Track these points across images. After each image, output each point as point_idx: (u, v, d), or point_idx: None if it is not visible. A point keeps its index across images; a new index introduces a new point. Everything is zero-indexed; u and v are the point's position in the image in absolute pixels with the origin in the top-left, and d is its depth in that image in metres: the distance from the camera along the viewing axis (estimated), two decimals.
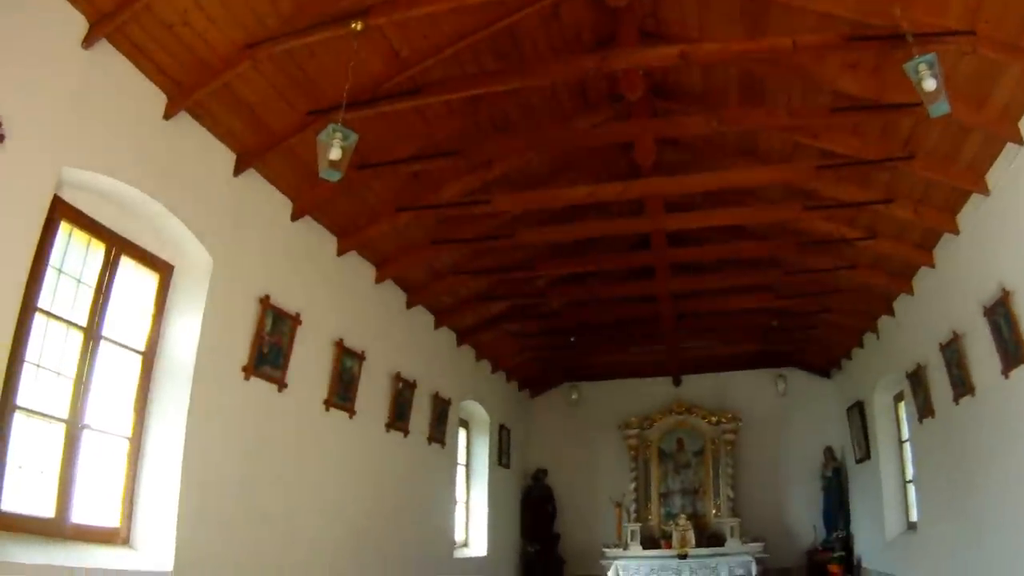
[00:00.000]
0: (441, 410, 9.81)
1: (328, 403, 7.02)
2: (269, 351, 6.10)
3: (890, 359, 10.68)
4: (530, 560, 13.56)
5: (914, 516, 10.72)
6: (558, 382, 15.04)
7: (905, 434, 11.03)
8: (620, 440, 14.37)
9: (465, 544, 11.59)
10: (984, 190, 6.92)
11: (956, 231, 7.68)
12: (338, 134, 4.56)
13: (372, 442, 7.95)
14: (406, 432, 8.68)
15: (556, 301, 10.76)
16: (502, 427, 12.95)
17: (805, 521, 13.84)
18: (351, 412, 7.42)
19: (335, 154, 4.55)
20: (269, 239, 6.43)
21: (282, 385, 6.30)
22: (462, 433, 11.83)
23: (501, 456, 12.81)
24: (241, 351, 5.91)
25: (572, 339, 11.88)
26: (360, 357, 7.62)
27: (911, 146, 7.06)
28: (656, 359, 14.34)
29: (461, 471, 11.65)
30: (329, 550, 6.85)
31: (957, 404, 8.03)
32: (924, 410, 9.19)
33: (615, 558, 12.82)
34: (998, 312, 6.86)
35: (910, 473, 10.86)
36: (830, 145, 7.37)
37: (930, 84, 4.42)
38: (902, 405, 11.16)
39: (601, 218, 9.21)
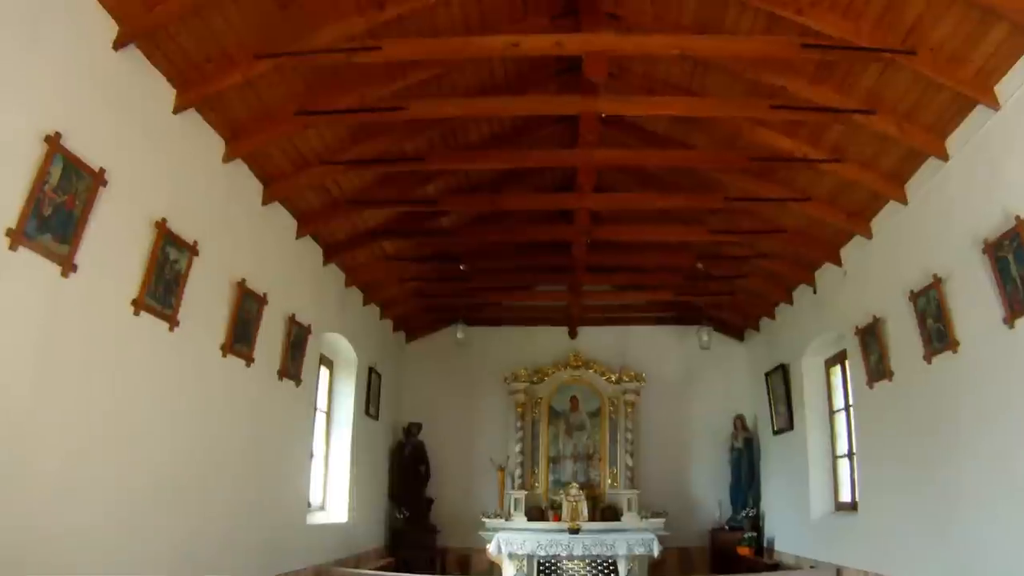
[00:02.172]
0: (297, 338, 8.12)
1: (138, 305, 5.29)
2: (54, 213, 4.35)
3: (828, 316, 9.81)
4: (398, 529, 12.17)
5: (844, 495, 9.89)
6: (439, 326, 13.59)
7: (840, 402, 10.14)
8: (506, 395, 13.18)
9: (321, 507, 10.01)
10: (993, 102, 5.88)
11: (944, 156, 6.66)
12: None
13: (202, 365, 6.20)
14: (249, 360, 6.97)
15: (450, 209, 9.29)
16: (372, 371, 11.38)
17: (709, 496, 13.07)
18: (172, 321, 5.70)
19: None
20: None
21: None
22: (324, 373, 10.21)
23: (369, 405, 11.24)
24: None
25: (462, 266, 10.40)
26: (191, 250, 5.90)
27: (914, 39, 5.89)
28: (554, 305, 13.26)
29: (321, 419, 10.05)
30: (124, 509, 5.16)
31: (930, 363, 7.02)
32: (876, 372, 8.24)
33: (496, 529, 11.66)
34: (1005, 247, 5.83)
35: (842, 447, 10.01)
36: (817, 23, 6.10)
37: None
38: (836, 370, 10.31)
39: (522, 92, 7.82)
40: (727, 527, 12.53)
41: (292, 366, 8.04)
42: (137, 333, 5.32)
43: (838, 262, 9.24)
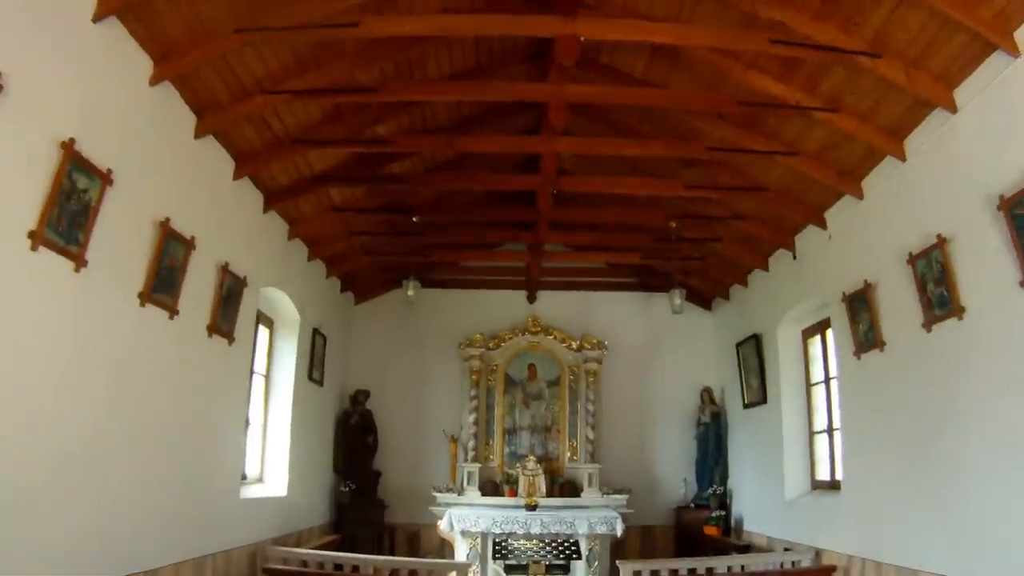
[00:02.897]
0: (231, 291, 7.32)
1: (36, 238, 4.48)
2: None
3: (809, 283, 9.35)
4: (343, 504, 11.50)
5: (822, 473, 9.44)
6: (390, 287, 12.87)
7: (818, 375, 9.67)
8: (460, 362, 12.59)
9: (259, 479, 9.28)
10: (1012, 47, 5.39)
11: (953, 107, 6.16)
12: None
13: (115, 314, 5.40)
14: (173, 311, 6.18)
15: (404, 150, 8.57)
16: (316, 333, 10.61)
17: (674, 473, 12.63)
18: (78, 261, 4.90)
19: None
20: None
21: None
22: (263, 333, 9.45)
23: (313, 369, 10.49)
24: None
25: (416, 219, 9.67)
26: (103, 178, 5.11)
27: None
28: (513, 266, 12.69)
29: (258, 383, 9.30)
30: (12, 486, 4.39)
31: (929, 331, 6.53)
32: (865, 342, 7.76)
33: (448, 505, 11.09)
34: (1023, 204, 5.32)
35: (821, 422, 9.56)
36: None
37: None
38: (815, 340, 9.84)
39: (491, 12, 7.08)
40: (693, 505, 12.10)
41: (224, 322, 7.26)
42: (34, 272, 4.52)
43: (822, 225, 8.75)
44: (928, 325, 6.54)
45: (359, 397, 12.19)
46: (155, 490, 6.08)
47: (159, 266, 5.93)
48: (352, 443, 11.88)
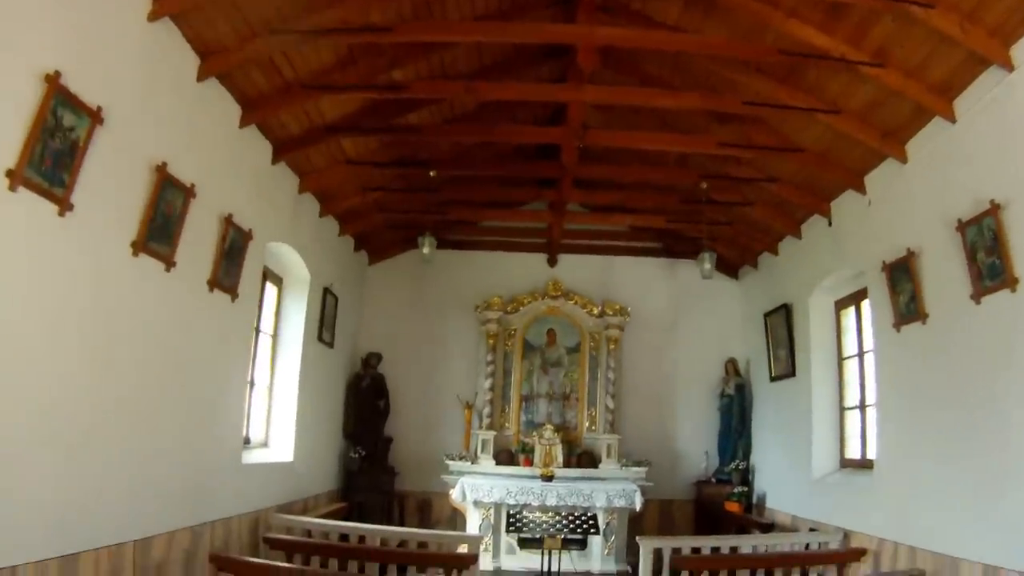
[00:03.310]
0: (235, 244, 6.96)
1: (15, 177, 4.12)
2: None
3: (845, 251, 8.94)
4: (352, 470, 11.23)
5: (852, 451, 9.08)
6: (405, 247, 12.51)
7: (851, 348, 9.26)
8: (476, 325, 12.25)
9: (264, 444, 9.00)
10: None
11: (1009, 65, 5.76)
12: None
13: (105, 263, 5.04)
14: (169, 263, 5.84)
15: (421, 95, 8.16)
16: (327, 292, 10.28)
17: (696, 446, 12.31)
18: (63, 204, 4.53)
19: None
20: None
21: None
22: (271, 291, 9.12)
23: (323, 330, 10.16)
24: None
25: (433, 173, 9.27)
26: (93, 116, 4.75)
27: None
28: (534, 227, 12.39)
29: (264, 343, 8.99)
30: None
31: (978, 302, 6.12)
32: (906, 313, 7.33)
33: (461, 473, 10.81)
34: None
35: (852, 398, 9.17)
36: None
37: None
38: (848, 312, 9.43)
39: None
40: (714, 480, 11.79)
41: (227, 277, 6.92)
42: (13, 214, 4.18)
43: (862, 190, 8.32)
44: (977, 296, 6.14)
45: (371, 360, 11.89)
46: (148, 454, 5.77)
47: (154, 214, 5.58)
48: (363, 408, 11.58)
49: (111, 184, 5.10)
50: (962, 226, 6.27)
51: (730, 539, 8.24)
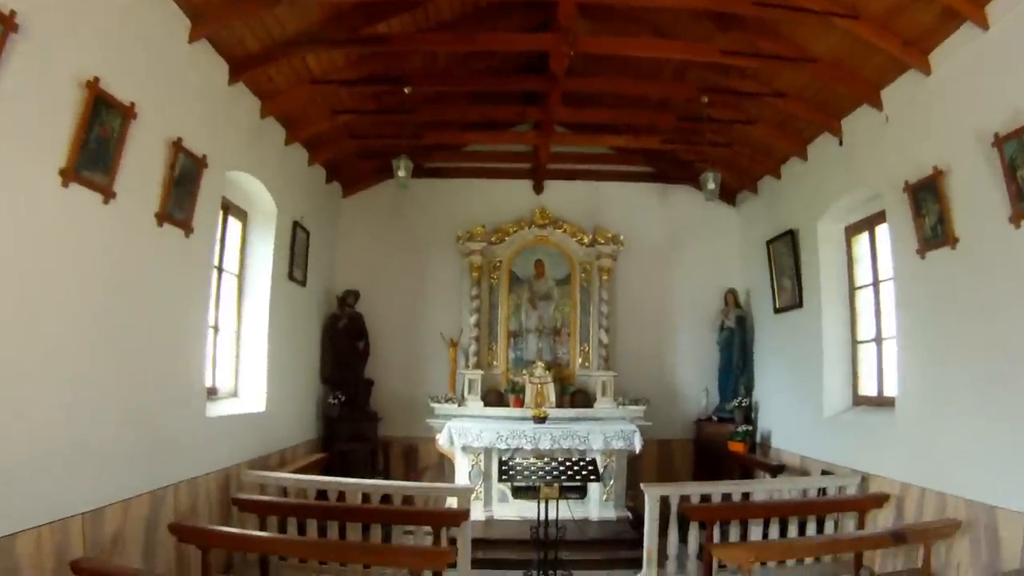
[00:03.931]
0: (186, 172, 6.21)
1: None
2: None
3: (857, 172, 8.36)
4: (332, 417, 10.69)
5: (866, 387, 8.61)
6: (381, 177, 11.79)
7: (865, 277, 8.71)
8: (459, 258, 11.65)
9: (233, 394, 8.40)
10: None
11: None
12: None
13: (27, 196, 4.30)
14: (107, 194, 5.13)
15: None
16: (297, 226, 9.57)
17: (695, 382, 11.86)
18: None
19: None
20: None
21: None
22: (235, 227, 8.41)
23: (294, 268, 9.48)
24: None
25: (407, 89, 8.49)
26: (6, 23, 4.01)
27: None
28: (519, 151, 11.78)
29: (229, 283, 8.31)
30: None
31: (1018, 226, 5.55)
32: (932, 238, 6.74)
33: (447, 417, 10.32)
34: None
35: (866, 330, 8.66)
36: None
37: None
38: (861, 238, 8.90)
39: None
40: (715, 418, 11.32)
41: (178, 209, 6.20)
42: None
43: (878, 105, 7.67)
44: (1017, 219, 5.56)
45: (348, 299, 11.27)
46: (94, 412, 5.14)
47: (86, 137, 4.85)
48: (340, 350, 11.01)
49: (32, 104, 4.39)
50: (999, 141, 5.68)
51: (741, 484, 7.76)
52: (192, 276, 6.74)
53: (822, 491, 7.78)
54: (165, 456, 6.12)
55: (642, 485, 7.20)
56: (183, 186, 6.24)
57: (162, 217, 5.97)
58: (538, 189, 12.15)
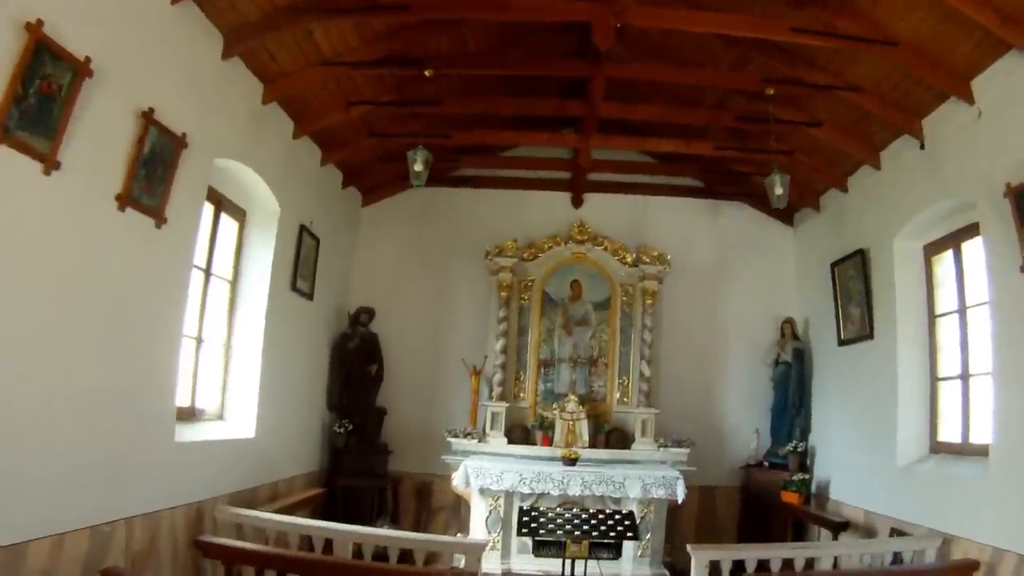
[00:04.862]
0: (159, 151, 5.37)
1: None
2: None
3: (943, 179, 7.43)
4: (338, 448, 9.86)
5: (948, 433, 7.61)
6: (403, 184, 11.01)
7: (949, 303, 7.73)
8: (487, 275, 10.80)
9: (219, 417, 7.58)
10: None
11: None
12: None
13: None
14: (49, 162, 4.26)
15: None
16: (304, 231, 8.78)
17: (744, 422, 10.88)
18: None
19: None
20: None
21: None
22: (229, 226, 7.61)
23: (298, 278, 8.66)
24: None
25: (428, 72, 7.64)
26: None
27: None
28: (556, 158, 11.10)
29: (220, 290, 7.50)
30: None
31: None
32: None
33: (465, 453, 9.38)
34: None
35: (949, 366, 7.68)
36: None
37: None
38: (943, 258, 7.96)
39: None
40: (766, 464, 10.29)
41: (147, 194, 5.36)
42: None
43: (969, 98, 6.76)
44: None
45: (361, 317, 10.48)
46: (26, 434, 4.32)
47: (23, 90, 4.06)
48: (350, 373, 10.20)
49: None
50: None
51: (806, 548, 6.72)
52: (164, 274, 5.87)
53: (897, 556, 6.77)
54: (116, 485, 5.25)
55: (689, 548, 6.22)
56: (154, 166, 5.42)
57: (124, 200, 5.13)
58: (577, 202, 11.33)
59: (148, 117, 5.33)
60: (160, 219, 5.61)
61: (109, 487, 5.19)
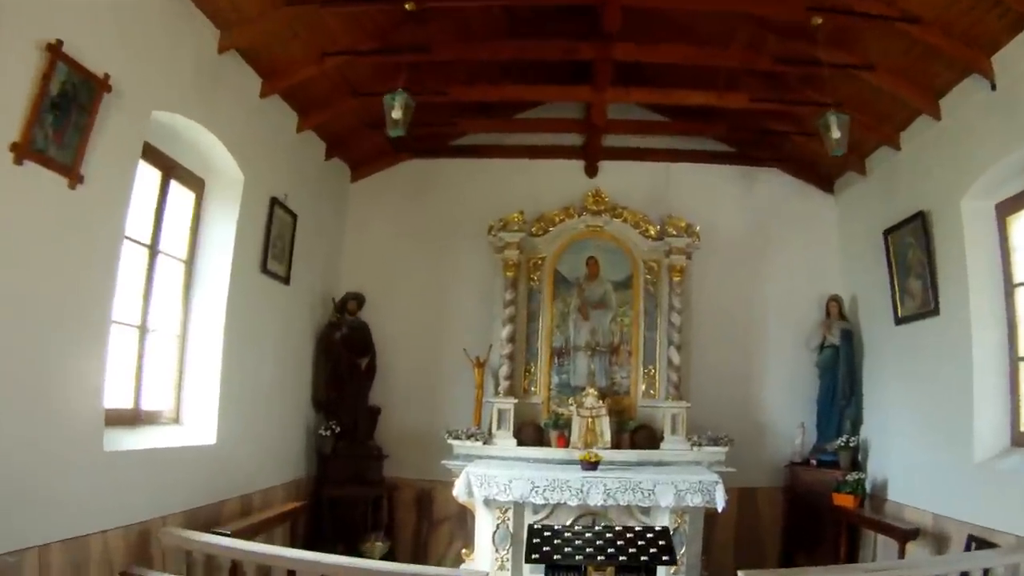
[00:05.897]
0: (71, 92, 4.47)
1: None
2: None
3: (1018, 126, 6.50)
4: (325, 452, 9.11)
5: None
6: (396, 156, 10.29)
7: None
8: (490, 253, 9.97)
9: (175, 420, 6.69)
10: None
11: None
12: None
13: None
14: None
15: None
16: (277, 205, 7.95)
17: (787, 416, 10.03)
18: None
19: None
20: None
21: None
22: (183, 197, 6.77)
23: (269, 258, 7.82)
24: None
25: (410, 4, 6.66)
26: None
27: None
28: (567, 118, 10.33)
29: (172, 271, 6.66)
30: None
31: None
32: None
33: (468, 457, 8.59)
34: None
35: None
36: None
37: None
38: (1020, 218, 7.11)
39: None
40: (813, 462, 9.44)
41: (55, 145, 4.47)
42: None
43: None
44: None
45: (348, 304, 9.68)
46: None
47: None
48: (338, 367, 9.41)
49: None
50: None
51: (872, 568, 5.82)
52: (82, 247, 4.96)
53: (986, 573, 5.88)
54: (23, 506, 4.42)
55: (741, 574, 5.33)
56: (64, 111, 4.54)
57: (22, 150, 4.26)
58: (591, 171, 10.52)
59: (55, 51, 4.45)
60: (74, 178, 4.72)
61: (14, 509, 4.34)
